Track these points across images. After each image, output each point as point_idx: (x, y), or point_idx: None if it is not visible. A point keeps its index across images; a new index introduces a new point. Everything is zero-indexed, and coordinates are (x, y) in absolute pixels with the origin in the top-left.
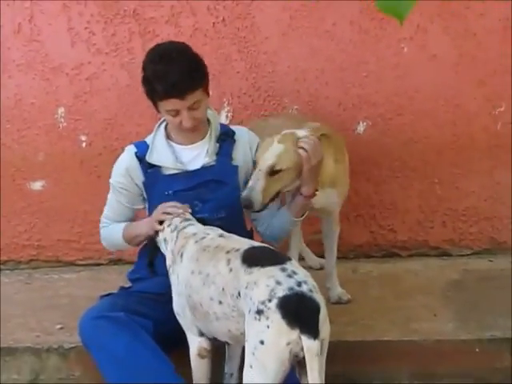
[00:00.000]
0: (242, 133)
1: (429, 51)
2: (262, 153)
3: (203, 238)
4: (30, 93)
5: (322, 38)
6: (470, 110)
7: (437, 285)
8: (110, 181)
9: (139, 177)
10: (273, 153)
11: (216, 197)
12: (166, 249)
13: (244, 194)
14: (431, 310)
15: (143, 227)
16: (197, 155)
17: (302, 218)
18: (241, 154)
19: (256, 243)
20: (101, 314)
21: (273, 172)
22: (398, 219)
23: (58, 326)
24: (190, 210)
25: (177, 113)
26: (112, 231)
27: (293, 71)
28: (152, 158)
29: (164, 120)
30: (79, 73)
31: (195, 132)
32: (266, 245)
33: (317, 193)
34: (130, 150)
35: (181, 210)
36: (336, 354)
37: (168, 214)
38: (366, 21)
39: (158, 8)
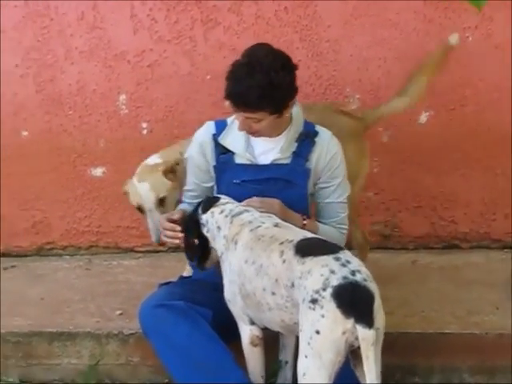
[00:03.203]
0: (324, 136)
1: (494, 40)
2: (138, 198)
3: (258, 226)
4: (92, 79)
5: (385, 27)
6: None
7: (499, 278)
8: (186, 155)
9: (211, 157)
10: (145, 192)
11: (282, 196)
12: (219, 235)
13: (154, 239)
14: (493, 303)
15: None
16: (270, 149)
17: None
18: (317, 157)
19: (309, 234)
20: (160, 302)
21: (160, 201)
22: (459, 211)
23: (118, 312)
24: None
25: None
26: None
27: (355, 60)
28: (225, 140)
29: None
30: (141, 60)
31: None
32: (319, 236)
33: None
34: (208, 127)
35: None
36: (395, 346)
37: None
38: (431, 9)
39: None
